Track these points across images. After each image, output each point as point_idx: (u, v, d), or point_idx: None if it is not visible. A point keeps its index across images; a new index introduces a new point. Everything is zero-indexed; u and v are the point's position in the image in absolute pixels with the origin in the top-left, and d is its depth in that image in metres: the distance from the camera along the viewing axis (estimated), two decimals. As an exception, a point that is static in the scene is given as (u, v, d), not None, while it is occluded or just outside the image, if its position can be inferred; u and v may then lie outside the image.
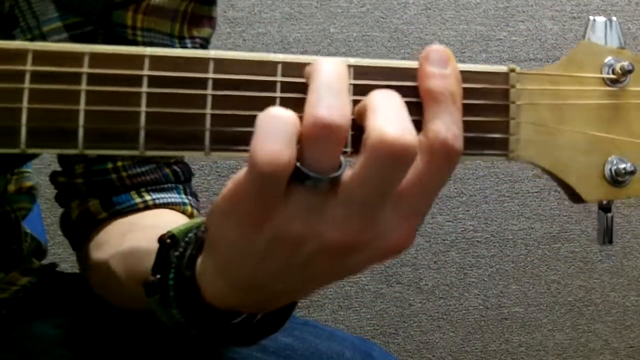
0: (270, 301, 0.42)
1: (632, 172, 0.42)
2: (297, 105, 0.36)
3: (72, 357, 0.59)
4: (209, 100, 0.36)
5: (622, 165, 0.42)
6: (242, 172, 0.36)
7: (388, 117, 0.35)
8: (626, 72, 0.42)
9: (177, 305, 0.44)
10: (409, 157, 0.34)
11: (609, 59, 0.43)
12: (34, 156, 0.64)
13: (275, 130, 0.34)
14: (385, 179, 0.35)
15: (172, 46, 0.60)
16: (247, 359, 0.59)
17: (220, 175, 1.42)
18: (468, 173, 1.54)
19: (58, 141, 0.35)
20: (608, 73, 0.43)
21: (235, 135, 0.37)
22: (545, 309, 1.58)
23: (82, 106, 0.35)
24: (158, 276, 0.45)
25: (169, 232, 0.46)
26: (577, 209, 1.59)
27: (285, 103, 0.37)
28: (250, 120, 0.36)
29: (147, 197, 0.61)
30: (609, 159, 0.43)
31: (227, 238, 0.38)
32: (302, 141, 0.34)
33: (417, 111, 0.38)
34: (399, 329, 1.52)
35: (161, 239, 0.46)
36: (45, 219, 0.93)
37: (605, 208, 0.45)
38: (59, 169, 0.64)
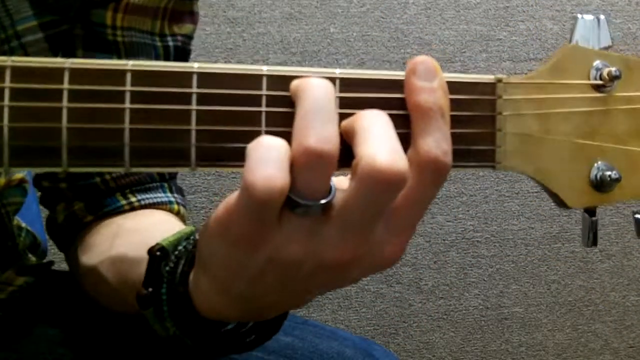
0: (267, 311, 0.42)
1: (617, 180, 0.42)
2: (284, 120, 0.36)
3: (72, 357, 0.59)
4: (194, 115, 0.36)
5: (608, 173, 0.42)
6: (234, 196, 0.35)
7: (378, 142, 0.35)
8: (614, 78, 0.42)
9: (171, 319, 0.44)
10: (401, 183, 0.34)
11: (597, 63, 0.43)
12: None
13: (268, 155, 0.34)
14: (378, 203, 0.35)
15: (153, 44, 0.59)
16: (248, 358, 0.59)
17: (220, 175, 1.42)
18: (468, 173, 1.54)
19: (42, 159, 0.35)
20: (596, 78, 0.43)
21: (221, 150, 0.36)
22: (545, 309, 1.58)
23: (64, 124, 0.35)
24: (150, 289, 0.45)
25: (158, 244, 0.46)
26: (577, 209, 1.59)
27: (270, 117, 0.36)
28: (236, 136, 0.36)
29: (133, 199, 0.61)
30: (595, 165, 0.43)
31: (220, 260, 0.38)
32: (292, 169, 0.34)
33: (405, 123, 0.37)
34: (399, 329, 1.51)
35: (151, 252, 0.46)
36: (45, 218, 0.93)
37: (589, 211, 0.45)
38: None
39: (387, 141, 0.35)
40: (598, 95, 0.43)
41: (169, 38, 0.60)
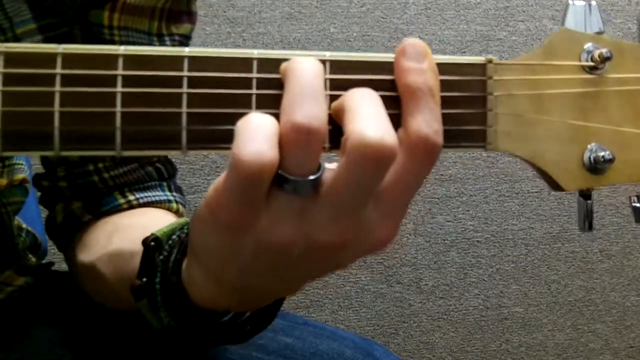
0: (261, 299, 0.42)
1: (610, 160, 0.42)
2: (274, 102, 0.36)
3: (72, 358, 0.59)
4: (185, 98, 0.36)
5: (601, 154, 0.42)
6: (222, 176, 0.35)
7: (367, 118, 0.35)
8: (605, 59, 0.42)
9: (165, 309, 0.44)
10: (390, 158, 0.34)
11: (588, 46, 0.43)
12: None
13: (257, 131, 0.34)
14: (368, 180, 0.35)
15: (150, 44, 0.59)
16: (247, 359, 0.59)
17: (220, 175, 1.42)
18: (468, 173, 1.54)
19: (34, 144, 0.35)
20: (587, 60, 0.43)
21: (212, 133, 0.36)
22: (545, 309, 1.58)
23: (56, 108, 0.35)
24: (144, 280, 0.45)
25: (152, 234, 0.46)
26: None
27: (261, 100, 0.37)
28: (227, 118, 0.36)
29: (131, 197, 0.61)
30: (589, 146, 0.42)
31: (210, 246, 0.38)
32: (280, 146, 0.34)
33: (395, 105, 0.37)
34: (399, 329, 1.51)
35: (145, 242, 0.46)
36: (45, 219, 0.93)
37: (585, 195, 0.45)
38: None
39: (376, 116, 0.35)
40: (590, 76, 0.43)
41: (167, 38, 0.60)
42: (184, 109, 0.36)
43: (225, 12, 1.42)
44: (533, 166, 0.43)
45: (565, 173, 0.42)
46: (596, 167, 0.43)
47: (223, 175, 0.35)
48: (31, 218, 0.77)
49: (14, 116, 0.35)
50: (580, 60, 0.43)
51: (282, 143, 0.34)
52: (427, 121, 0.36)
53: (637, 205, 0.46)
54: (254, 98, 0.37)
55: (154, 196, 0.62)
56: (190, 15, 0.61)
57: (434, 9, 1.51)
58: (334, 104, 0.37)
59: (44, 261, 0.72)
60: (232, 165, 0.34)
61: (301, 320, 0.64)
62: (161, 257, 0.45)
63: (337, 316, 1.49)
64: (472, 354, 1.55)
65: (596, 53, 0.42)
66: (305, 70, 0.35)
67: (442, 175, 1.53)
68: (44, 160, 0.63)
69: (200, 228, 0.38)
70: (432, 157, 0.36)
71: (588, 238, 1.60)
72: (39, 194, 0.66)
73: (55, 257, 0.75)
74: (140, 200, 0.61)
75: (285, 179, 0.35)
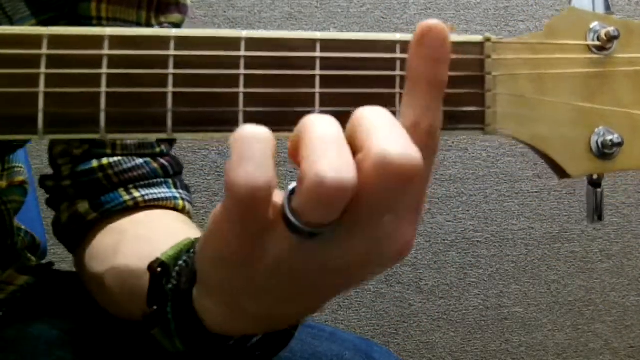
0: (280, 324, 0.41)
1: (619, 144, 0.40)
2: (262, 82, 0.35)
3: (71, 359, 0.58)
4: (170, 79, 0.35)
5: (610, 137, 0.40)
6: (219, 206, 0.34)
7: (387, 134, 0.32)
8: (612, 38, 0.40)
9: (179, 337, 0.43)
10: (417, 175, 0.31)
11: (594, 25, 0.40)
12: (22, 145, 0.63)
13: (250, 151, 0.31)
14: (393, 199, 0.32)
15: None
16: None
17: (220, 175, 1.42)
18: (468, 173, 1.54)
19: (18, 126, 0.35)
20: (593, 40, 0.40)
21: (198, 115, 0.35)
22: (545, 309, 1.58)
23: (41, 89, 0.34)
24: (155, 308, 0.44)
25: (157, 259, 0.44)
26: (578, 209, 1.59)
27: (249, 80, 0.35)
28: (214, 99, 0.35)
29: (136, 194, 0.60)
30: (596, 130, 0.40)
31: (219, 280, 0.37)
32: (302, 199, 0.31)
33: (388, 84, 0.36)
34: (399, 329, 1.51)
35: (151, 268, 0.44)
36: (45, 219, 0.93)
37: (594, 183, 0.42)
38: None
39: (397, 132, 0.32)
40: (597, 56, 0.40)
41: (156, 27, 0.59)
42: (170, 89, 0.35)
43: (225, 12, 1.42)
44: (536, 150, 0.40)
45: (572, 158, 0.40)
46: (604, 152, 0.40)
47: (220, 204, 0.34)
48: (31, 219, 0.78)
49: None
50: (586, 40, 0.40)
51: (305, 198, 0.31)
52: (435, 115, 0.34)
53: None
54: (242, 78, 0.35)
55: (159, 193, 0.61)
56: (179, 7, 0.61)
57: (434, 9, 1.51)
58: (348, 128, 0.33)
59: (44, 262, 0.72)
60: (226, 189, 0.32)
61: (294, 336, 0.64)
62: (170, 285, 0.43)
63: (337, 316, 1.49)
64: (472, 354, 1.55)
65: (603, 32, 0.40)
66: (323, 123, 0.32)
67: (442, 175, 1.53)
68: (50, 159, 0.63)
69: (206, 265, 0.37)
70: (437, 148, 0.35)
71: (588, 238, 1.60)
72: (40, 195, 0.66)
73: (55, 258, 0.75)
74: (146, 197, 0.60)
75: (302, 231, 0.32)
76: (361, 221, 0.33)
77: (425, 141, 0.34)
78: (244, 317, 0.39)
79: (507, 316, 1.56)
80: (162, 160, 0.62)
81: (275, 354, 0.45)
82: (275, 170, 0.31)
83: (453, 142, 1.53)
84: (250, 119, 0.35)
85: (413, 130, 0.34)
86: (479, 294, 1.55)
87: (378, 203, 0.32)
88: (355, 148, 0.33)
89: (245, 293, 0.36)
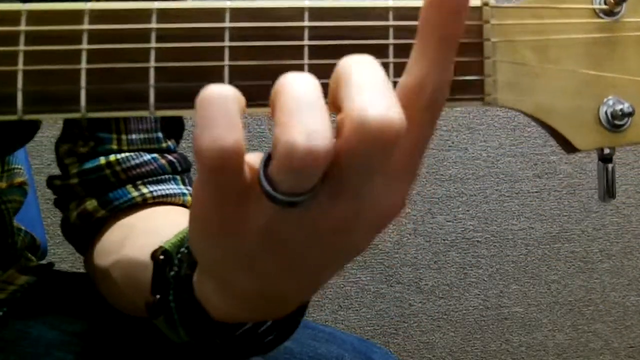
0: (282, 305, 0.39)
1: (630, 114, 0.37)
2: (248, 54, 0.34)
3: (71, 360, 0.59)
4: (152, 54, 0.34)
5: (620, 107, 0.37)
6: (196, 178, 0.32)
7: (366, 92, 0.30)
8: (620, 1, 0.37)
9: (183, 326, 0.43)
10: (398, 137, 0.29)
11: None
12: (22, 144, 0.63)
13: (214, 113, 0.29)
14: (374, 161, 0.30)
15: None
16: (245, 362, 0.58)
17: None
18: (468, 173, 1.54)
19: None
20: (600, 3, 0.38)
21: (181, 90, 0.34)
22: (545, 309, 1.58)
23: (20, 67, 0.33)
24: (158, 297, 0.43)
25: (160, 247, 0.44)
26: (577, 209, 1.59)
27: (234, 52, 0.34)
28: (198, 74, 0.34)
29: (144, 190, 0.59)
30: (605, 100, 0.37)
31: (208, 255, 0.36)
32: (276, 168, 0.29)
33: (381, 54, 0.34)
34: (399, 329, 1.51)
35: (154, 256, 0.44)
36: (45, 219, 0.93)
37: (605, 158, 0.39)
38: (57, 171, 0.64)
39: (378, 90, 0.30)
40: (604, 21, 0.38)
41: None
42: (152, 64, 0.33)
43: None
44: (539, 122, 0.38)
45: (579, 130, 0.37)
46: (615, 123, 0.37)
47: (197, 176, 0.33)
48: (31, 219, 0.78)
49: None
50: (592, 4, 0.38)
51: (279, 167, 0.29)
52: (440, 73, 0.32)
53: None
54: (226, 51, 0.34)
55: (167, 189, 0.60)
56: None
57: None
58: (332, 77, 0.32)
59: (44, 262, 0.72)
60: (195, 157, 0.30)
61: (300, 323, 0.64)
62: (172, 272, 0.42)
63: (337, 316, 1.49)
64: (472, 354, 1.55)
65: None
66: (299, 82, 0.30)
67: (442, 175, 1.53)
68: (58, 159, 0.63)
69: (193, 240, 0.36)
70: (439, 110, 0.33)
71: (588, 238, 1.60)
72: (45, 197, 0.65)
73: (55, 258, 0.75)
74: (154, 194, 0.59)
75: (278, 199, 0.30)
76: (344, 185, 0.31)
77: (427, 104, 0.32)
78: (242, 301, 0.37)
79: (507, 316, 1.56)
80: (170, 157, 0.62)
81: (278, 345, 0.44)
82: (243, 130, 0.30)
83: (453, 142, 1.53)
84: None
85: (418, 91, 0.32)
86: (479, 294, 1.55)
87: (360, 166, 0.30)
88: (335, 107, 0.31)
89: (236, 267, 0.35)
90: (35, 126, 0.60)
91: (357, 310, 1.50)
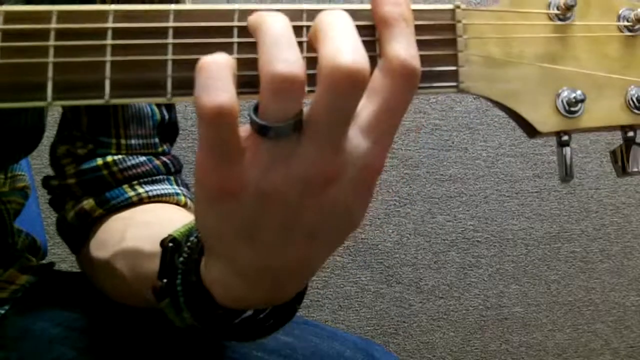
0: (281, 286, 0.42)
1: (582, 100, 0.43)
2: (253, 49, 0.38)
3: (73, 356, 0.59)
4: (170, 48, 0.38)
5: (573, 95, 0.43)
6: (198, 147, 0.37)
7: (338, 41, 0.35)
8: (569, 7, 0.44)
9: (188, 310, 0.44)
10: (364, 79, 0.35)
11: None
12: (27, 153, 0.63)
13: (211, 76, 0.35)
14: (344, 103, 0.35)
15: None
16: (247, 357, 0.59)
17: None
18: (468, 173, 1.54)
19: (29, 93, 0.37)
20: (553, 9, 0.44)
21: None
22: (545, 309, 1.58)
23: (50, 59, 0.37)
24: (165, 281, 0.45)
25: (169, 235, 0.46)
26: (578, 209, 1.59)
27: (242, 47, 0.39)
28: None
29: (140, 190, 0.61)
30: (559, 91, 0.44)
31: (212, 225, 0.38)
32: (262, 97, 0.35)
33: (371, 48, 0.39)
34: (399, 329, 1.52)
35: (163, 244, 0.46)
36: (45, 219, 0.93)
37: (562, 143, 0.45)
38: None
39: (347, 39, 0.36)
40: (558, 23, 0.44)
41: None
42: (170, 57, 0.38)
43: None
44: (506, 109, 0.43)
45: (540, 116, 0.43)
46: (570, 109, 0.44)
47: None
48: (31, 219, 0.78)
49: (11, 68, 0.37)
50: (548, 9, 0.44)
51: (265, 94, 0.35)
52: (403, 46, 0.37)
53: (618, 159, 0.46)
54: (235, 46, 0.39)
55: (162, 189, 0.62)
56: None
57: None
58: (309, 34, 0.38)
59: (44, 262, 0.72)
60: (197, 117, 0.35)
61: (301, 320, 0.64)
62: (181, 259, 0.45)
63: (337, 316, 1.49)
64: (472, 354, 1.55)
65: (561, 1, 0.44)
66: (275, 22, 0.36)
67: (442, 175, 1.53)
68: (53, 161, 0.64)
69: (198, 209, 0.39)
70: (413, 80, 0.37)
71: (588, 238, 1.60)
72: (45, 197, 0.66)
73: (54, 258, 0.75)
74: (150, 194, 0.61)
75: (268, 128, 0.35)
76: (324, 129, 0.36)
77: (401, 72, 0.37)
78: (247, 277, 0.40)
79: (507, 316, 1.56)
80: (164, 158, 0.64)
81: (287, 321, 0.46)
82: (235, 91, 0.35)
83: (453, 142, 1.53)
84: (243, 81, 0.38)
85: (398, 64, 0.37)
86: (479, 294, 1.55)
87: (333, 109, 0.35)
88: (313, 45, 0.37)
89: (237, 237, 0.38)
90: (38, 137, 0.61)
91: (357, 310, 1.50)
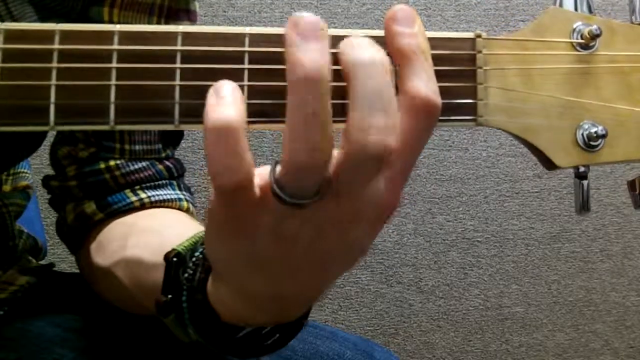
0: (291, 308, 0.42)
1: (603, 136, 0.42)
2: (265, 76, 0.36)
3: (72, 357, 0.59)
4: (178, 73, 0.36)
5: (594, 129, 0.42)
6: (212, 193, 0.36)
7: (367, 118, 0.34)
8: (594, 36, 0.42)
9: (193, 326, 0.44)
10: (389, 153, 0.34)
11: (577, 24, 0.43)
12: (29, 154, 0.63)
13: (224, 144, 0.33)
14: (374, 167, 0.35)
15: None
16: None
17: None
18: (468, 173, 1.54)
19: (31, 118, 0.36)
20: (577, 38, 0.43)
21: (204, 107, 0.36)
22: (545, 309, 1.58)
23: (53, 82, 0.36)
24: (169, 297, 0.45)
25: (173, 249, 0.46)
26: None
27: (252, 74, 0.37)
28: None
29: (143, 195, 0.61)
30: (581, 123, 0.42)
31: (223, 257, 0.38)
32: (285, 176, 0.33)
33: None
34: (399, 329, 1.51)
35: (167, 258, 0.46)
36: (44, 219, 0.93)
37: (580, 176, 0.44)
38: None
39: (379, 116, 0.34)
40: (581, 53, 0.43)
41: None
42: (177, 83, 0.36)
43: (225, 12, 1.42)
44: (525, 143, 0.42)
45: (558, 149, 0.42)
46: (590, 144, 0.42)
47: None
48: (31, 220, 0.77)
49: (11, 90, 0.35)
50: (570, 38, 0.43)
51: (283, 172, 0.33)
52: (424, 81, 0.36)
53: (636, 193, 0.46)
54: (245, 73, 0.37)
55: (165, 194, 0.62)
56: (189, 14, 0.62)
57: (434, 8, 1.51)
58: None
59: (44, 262, 0.72)
60: (210, 180, 0.34)
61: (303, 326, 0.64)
62: (186, 275, 0.44)
63: (337, 316, 1.49)
64: (472, 354, 1.55)
65: (586, 30, 0.42)
66: (309, 99, 0.33)
67: (442, 175, 1.53)
68: (53, 161, 0.63)
69: (209, 246, 0.38)
70: (433, 116, 0.36)
71: (588, 238, 1.60)
72: (44, 197, 0.66)
73: (54, 259, 0.75)
74: (152, 199, 0.61)
75: (285, 201, 0.34)
76: (344, 189, 0.35)
77: (422, 109, 0.36)
78: (256, 302, 0.40)
79: (507, 316, 1.56)
80: (167, 162, 0.63)
81: (291, 338, 0.46)
82: (250, 154, 0.33)
83: (453, 142, 1.53)
84: (254, 110, 0.36)
85: (420, 101, 0.35)
86: (479, 294, 1.55)
87: (361, 172, 0.34)
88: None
89: (248, 269, 0.38)
90: (41, 138, 0.60)
91: (357, 310, 1.50)
